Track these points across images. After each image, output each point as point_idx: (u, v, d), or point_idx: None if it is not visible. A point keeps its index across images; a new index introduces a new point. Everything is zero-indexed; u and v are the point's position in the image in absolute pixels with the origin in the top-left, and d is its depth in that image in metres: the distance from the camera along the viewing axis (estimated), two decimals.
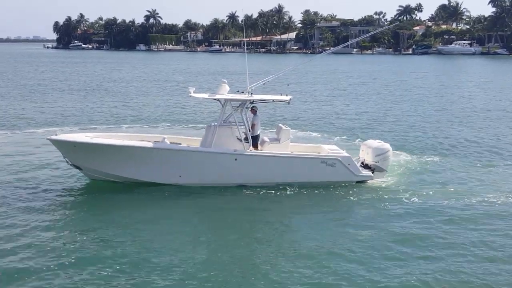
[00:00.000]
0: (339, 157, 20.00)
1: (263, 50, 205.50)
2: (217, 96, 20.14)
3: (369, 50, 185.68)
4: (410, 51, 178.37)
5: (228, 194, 19.16)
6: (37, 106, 43.75)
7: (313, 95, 54.22)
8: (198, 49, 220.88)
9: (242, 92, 20.45)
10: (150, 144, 19.81)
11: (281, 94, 20.53)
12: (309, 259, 13.73)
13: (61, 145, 20.05)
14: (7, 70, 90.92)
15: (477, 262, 13.81)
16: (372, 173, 20.50)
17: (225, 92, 20.17)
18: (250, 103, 20.39)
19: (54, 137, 20.10)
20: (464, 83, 70.55)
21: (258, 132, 20.41)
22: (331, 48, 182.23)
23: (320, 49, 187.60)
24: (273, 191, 19.25)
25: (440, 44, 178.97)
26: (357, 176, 20.16)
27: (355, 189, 19.68)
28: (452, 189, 20.01)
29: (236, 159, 19.52)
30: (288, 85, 21.05)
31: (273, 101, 20.92)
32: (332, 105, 46.10)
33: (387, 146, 20.84)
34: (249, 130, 20.09)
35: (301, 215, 17.39)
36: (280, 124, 21.47)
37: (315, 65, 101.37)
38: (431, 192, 19.51)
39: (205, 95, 20.75)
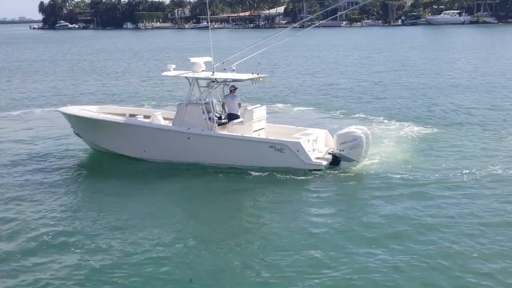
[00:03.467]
0: (287, 143, 18.53)
1: (251, 25, 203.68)
2: (184, 74, 20.21)
3: (358, 23, 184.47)
4: (400, 22, 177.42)
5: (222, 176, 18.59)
6: (25, 86, 43.85)
7: (306, 69, 53.77)
8: (186, 26, 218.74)
9: (224, 70, 20.06)
10: (118, 119, 20.70)
11: (252, 73, 19.55)
12: (282, 250, 12.90)
13: (65, 116, 22.01)
14: None
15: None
16: (338, 163, 18.66)
17: (198, 70, 19.98)
18: (212, 82, 19.75)
19: (61, 108, 22.53)
20: (454, 53, 70.07)
21: (233, 112, 19.99)
22: (320, 21, 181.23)
23: (309, 23, 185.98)
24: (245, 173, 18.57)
25: (430, 14, 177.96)
26: (306, 164, 18.38)
27: (327, 174, 18.41)
28: (447, 162, 19.39)
29: (189, 138, 19.34)
30: (259, 63, 20.08)
31: (234, 80, 19.82)
32: (324, 79, 45.59)
33: (356, 133, 18.46)
34: (214, 110, 19.91)
35: (273, 203, 16.36)
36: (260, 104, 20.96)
37: (303, 39, 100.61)
38: (420, 168, 18.73)
39: (175, 73, 20.52)
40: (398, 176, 17.89)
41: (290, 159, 18.41)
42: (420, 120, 27.09)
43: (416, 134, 23.73)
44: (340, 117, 28.59)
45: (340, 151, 18.59)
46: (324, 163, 18.63)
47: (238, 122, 19.74)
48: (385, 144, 21.65)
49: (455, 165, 19.03)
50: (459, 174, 18.06)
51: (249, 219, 15.16)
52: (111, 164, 20.57)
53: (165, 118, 20.86)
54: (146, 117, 21.38)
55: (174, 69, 20.53)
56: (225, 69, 20.05)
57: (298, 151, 18.37)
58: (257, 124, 19.89)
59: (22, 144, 23.66)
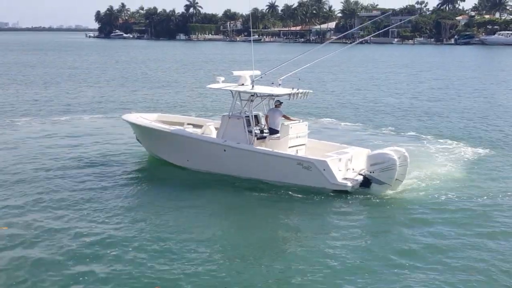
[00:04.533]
0: (314, 161, 18.08)
1: (302, 40, 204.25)
2: (227, 87, 20.42)
3: (410, 40, 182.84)
4: (452, 41, 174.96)
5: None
6: (74, 92, 45.10)
7: (355, 85, 53.87)
8: (237, 39, 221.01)
9: (271, 84, 20.13)
10: (164, 127, 21.42)
11: (292, 88, 19.34)
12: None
13: (128, 122, 23.04)
14: (49, 59, 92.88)
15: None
16: (369, 184, 17.95)
17: (239, 83, 20.23)
18: (251, 95, 19.77)
19: (124, 115, 23.67)
20: (508, 74, 68.77)
21: (274, 127, 19.77)
22: (371, 38, 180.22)
23: (360, 39, 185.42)
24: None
25: (483, 34, 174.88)
26: (331, 183, 17.77)
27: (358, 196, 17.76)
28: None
29: (225, 150, 19.59)
30: (299, 79, 19.79)
31: (271, 95, 19.65)
32: (373, 95, 45.61)
33: (388, 155, 17.54)
34: (253, 123, 19.75)
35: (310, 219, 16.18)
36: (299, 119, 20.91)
37: (354, 55, 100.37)
38: (467, 192, 17.96)
39: (219, 86, 20.80)
40: (439, 200, 17.27)
41: (317, 177, 17.96)
42: (473, 140, 26.38)
43: (467, 156, 22.99)
44: (389, 135, 28.13)
45: (371, 172, 17.80)
46: (350, 184, 17.88)
47: (275, 137, 19.64)
48: (433, 165, 21.11)
49: (506, 190, 18.44)
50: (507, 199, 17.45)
51: (273, 236, 15.09)
52: (154, 170, 21.30)
53: (217, 129, 21.05)
54: (198, 126, 21.82)
55: (223, 81, 20.81)
56: (272, 83, 20.04)
57: (324, 170, 17.86)
58: (295, 140, 19.56)
59: (68, 149, 24.01)
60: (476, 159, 22.68)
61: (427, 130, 29.32)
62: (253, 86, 19.81)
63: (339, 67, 76.28)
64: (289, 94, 19.21)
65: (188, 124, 22.43)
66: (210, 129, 20.99)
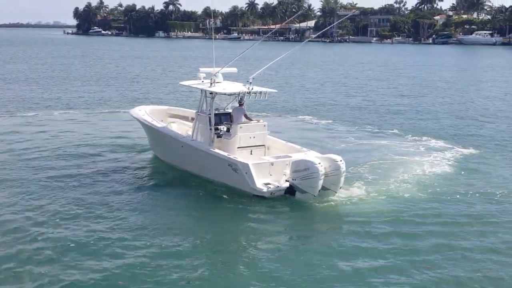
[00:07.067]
0: (238, 163, 17.56)
1: (282, 38, 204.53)
2: (194, 85, 20.46)
3: (388, 40, 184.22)
4: (430, 40, 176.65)
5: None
6: (52, 92, 44.46)
7: (335, 83, 54.11)
8: (217, 37, 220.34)
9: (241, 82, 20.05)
10: (145, 119, 21.85)
11: (248, 87, 18.77)
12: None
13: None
14: (26, 55, 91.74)
15: None
16: (293, 192, 17.06)
17: (203, 81, 20.16)
18: (210, 93, 19.42)
19: (130, 110, 23.98)
20: (486, 74, 69.61)
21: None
22: (350, 37, 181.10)
23: (339, 38, 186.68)
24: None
25: (461, 34, 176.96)
26: (251, 187, 17.12)
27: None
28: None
29: (182, 147, 19.81)
30: (253, 78, 18.84)
31: (225, 93, 19.06)
32: (352, 93, 45.89)
33: (309, 163, 16.65)
34: (213, 121, 19.36)
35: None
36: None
37: (333, 54, 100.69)
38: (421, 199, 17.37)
39: (189, 83, 21.03)
40: (384, 210, 16.37)
41: (241, 180, 17.45)
42: (452, 139, 26.63)
43: (447, 155, 23.01)
44: (368, 133, 28.24)
45: (293, 180, 16.94)
46: (266, 190, 16.96)
47: (228, 136, 19.06)
48: (411, 164, 20.99)
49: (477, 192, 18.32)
50: (451, 205, 17.08)
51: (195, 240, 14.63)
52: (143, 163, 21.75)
53: None
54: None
55: (205, 78, 20.51)
56: (247, 81, 19.25)
57: (246, 173, 17.27)
58: (246, 140, 18.85)
59: (51, 145, 24.28)
60: (457, 159, 22.65)
61: (407, 129, 29.36)
62: (211, 84, 19.53)
63: (318, 65, 76.42)
64: (238, 93, 18.88)
65: (192, 118, 21.94)
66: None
